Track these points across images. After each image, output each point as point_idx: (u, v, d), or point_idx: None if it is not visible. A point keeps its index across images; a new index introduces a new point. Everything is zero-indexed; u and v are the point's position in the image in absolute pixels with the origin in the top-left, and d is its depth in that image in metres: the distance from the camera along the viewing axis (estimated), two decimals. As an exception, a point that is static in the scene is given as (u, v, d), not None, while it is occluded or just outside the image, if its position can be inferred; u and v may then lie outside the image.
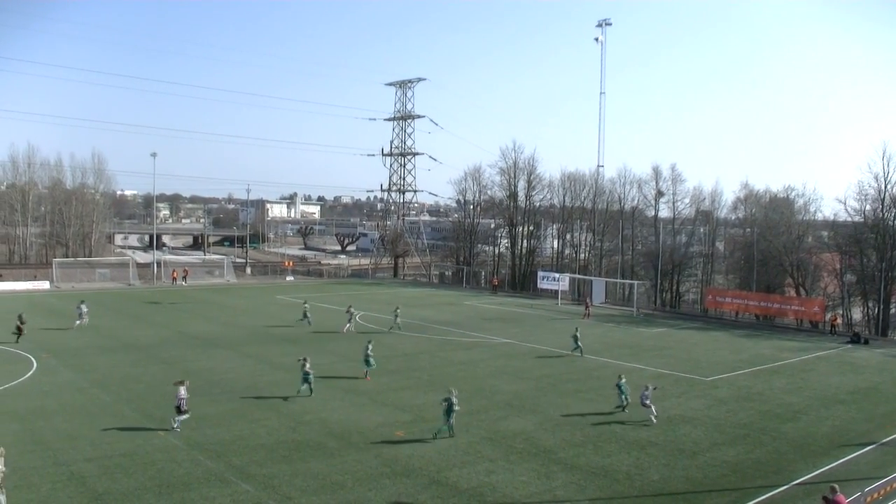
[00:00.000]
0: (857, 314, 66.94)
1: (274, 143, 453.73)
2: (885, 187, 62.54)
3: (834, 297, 68.03)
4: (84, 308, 48.09)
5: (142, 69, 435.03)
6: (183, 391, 25.60)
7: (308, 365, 30.64)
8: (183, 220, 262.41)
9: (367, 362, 34.52)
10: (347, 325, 48.75)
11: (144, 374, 34.73)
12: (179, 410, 25.47)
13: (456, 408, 25.42)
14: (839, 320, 59.55)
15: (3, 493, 17.96)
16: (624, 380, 29.68)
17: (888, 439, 26.88)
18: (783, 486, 21.59)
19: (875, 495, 18.98)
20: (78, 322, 47.31)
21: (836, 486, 17.52)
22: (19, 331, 42.24)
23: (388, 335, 47.21)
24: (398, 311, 51.14)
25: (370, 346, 35.04)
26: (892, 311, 63.88)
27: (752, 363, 41.64)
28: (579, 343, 42.32)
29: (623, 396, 29.35)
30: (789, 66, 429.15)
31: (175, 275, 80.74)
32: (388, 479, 21.25)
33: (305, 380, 30.46)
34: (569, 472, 22.44)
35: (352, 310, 50.59)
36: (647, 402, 27.90)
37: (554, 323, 56.65)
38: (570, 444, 25.25)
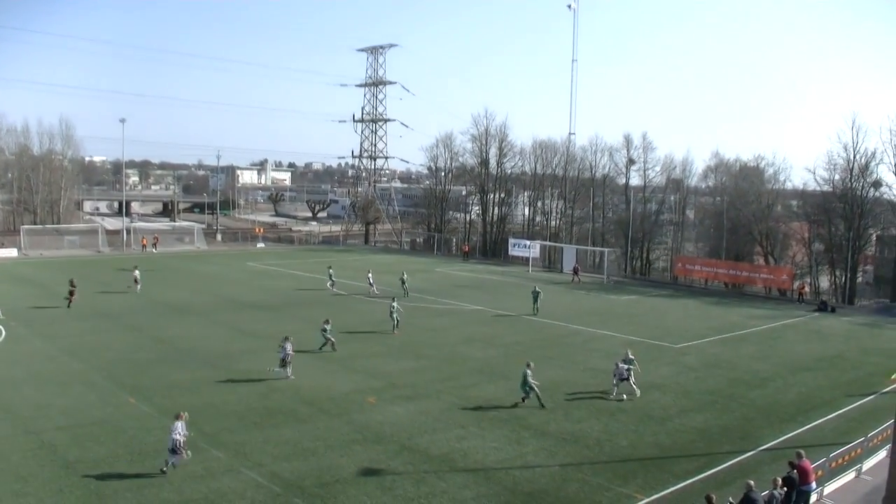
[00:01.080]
0: (824, 283, 67.93)
1: (244, 109, 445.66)
2: (854, 157, 63.24)
3: (802, 266, 68.94)
4: (137, 273, 49.85)
5: (109, 33, 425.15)
6: (289, 347, 27.92)
7: (329, 326, 33.15)
8: (153, 187, 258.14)
9: (391, 317, 37.64)
10: (372, 288, 50.49)
11: (115, 341, 34.41)
12: (284, 362, 27.80)
13: (530, 381, 25.71)
14: (807, 289, 60.41)
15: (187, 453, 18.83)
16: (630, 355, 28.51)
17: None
18: (750, 451, 22.00)
19: (839, 461, 19.37)
20: (137, 286, 48.97)
21: (802, 451, 17.87)
22: (71, 295, 42.64)
23: (362, 302, 47.19)
24: (405, 276, 51.22)
25: (395, 305, 38.11)
26: (859, 279, 64.95)
27: (720, 331, 42.14)
28: (537, 302, 44.77)
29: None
30: (760, 37, 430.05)
31: (145, 242, 79.75)
32: (359, 446, 21.33)
33: (325, 338, 32.87)
34: (539, 438, 22.66)
35: (369, 275, 51.55)
36: (627, 375, 27.27)
37: (525, 290, 56.66)
38: (540, 410, 25.45)
